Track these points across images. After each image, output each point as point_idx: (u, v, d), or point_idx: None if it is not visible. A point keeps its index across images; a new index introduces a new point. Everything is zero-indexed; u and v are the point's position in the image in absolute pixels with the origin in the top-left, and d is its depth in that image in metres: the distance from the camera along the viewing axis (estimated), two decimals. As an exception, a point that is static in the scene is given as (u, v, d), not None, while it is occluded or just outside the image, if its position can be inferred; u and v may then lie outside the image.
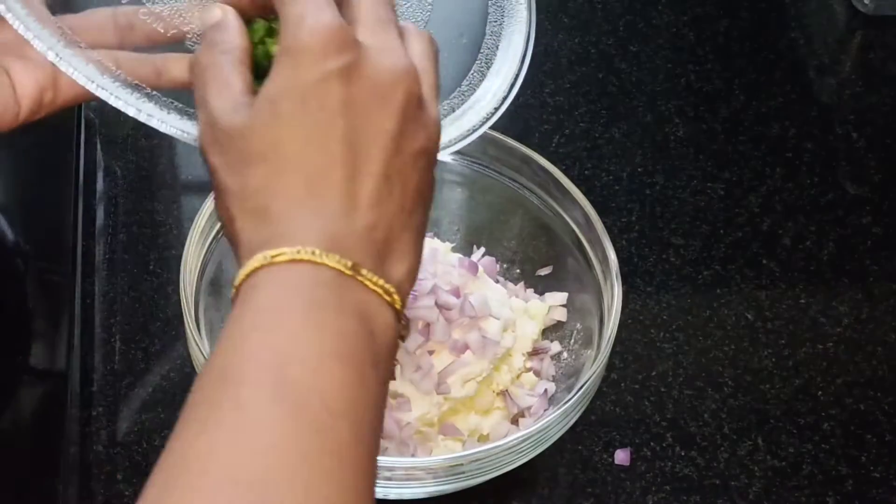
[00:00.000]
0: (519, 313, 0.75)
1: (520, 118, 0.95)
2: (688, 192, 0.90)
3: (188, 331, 0.66)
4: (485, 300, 0.72)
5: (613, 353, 0.69)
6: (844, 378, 0.80)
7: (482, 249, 0.79)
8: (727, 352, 0.80)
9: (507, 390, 0.72)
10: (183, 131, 0.56)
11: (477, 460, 0.64)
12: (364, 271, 0.46)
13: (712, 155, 0.93)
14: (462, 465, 0.64)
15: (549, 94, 0.96)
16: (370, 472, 0.43)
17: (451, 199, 0.80)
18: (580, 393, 0.65)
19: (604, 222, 0.72)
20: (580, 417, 0.68)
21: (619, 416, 0.76)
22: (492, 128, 0.78)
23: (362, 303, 0.46)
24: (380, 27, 0.50)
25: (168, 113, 0.57)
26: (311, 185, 0.47)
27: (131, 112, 0.56)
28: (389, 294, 0.47)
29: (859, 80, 1.01)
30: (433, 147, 0.51)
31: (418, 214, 0.50)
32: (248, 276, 0.46)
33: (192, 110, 0.57)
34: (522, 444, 0.65)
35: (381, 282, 0.47)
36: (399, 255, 0.48)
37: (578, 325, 0.74)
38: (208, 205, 0.72)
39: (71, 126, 0.88)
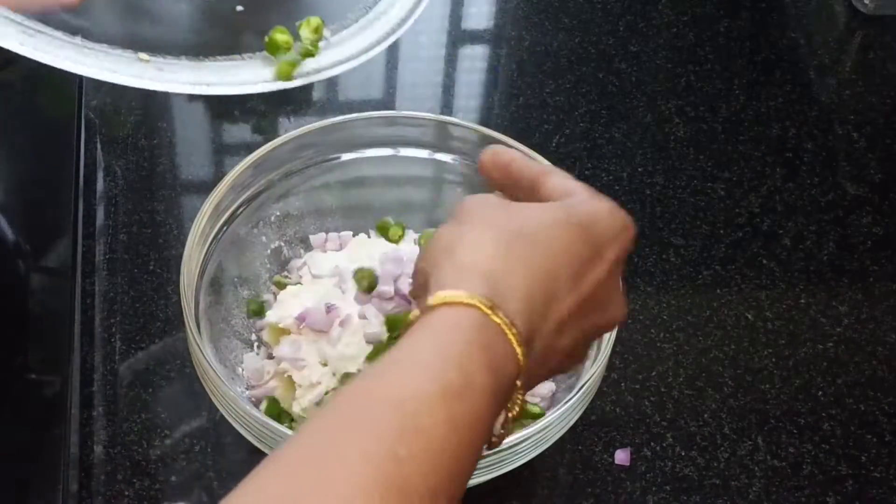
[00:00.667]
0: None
1: (520, 118, 0.95)
2: (688, 192, 0.90)
3: (188, 331, 0.66)
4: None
5: (613, 352, 0.69)
6: (844, 378, 0.80)
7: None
8: (727, 352, 0.80)
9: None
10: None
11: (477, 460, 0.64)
12: (514, 330, 0.48)
13: (712, 155, 0.93)
14: (462, 465, 0.64)
15: (549, 94, 0.96)
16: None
17: (451, 200, 0.80)
18: (580, 393, 0.65)
19: (604, 222, 0.72)
20: (580, 417, 0.68)
21: (619, 416, 0.76)
22: (492, 128, 0.79)
23: (511, 374, 0.49)
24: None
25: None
26: (546, 297, 0.50)
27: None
28: (519, 365, 0.49)
29: (859, 80, 1.01)
30: (606, 327, 0.56)
31: (556, 365, 0.53)
32: (446, 303, 0.48)
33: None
34: (522, 444, 0.65)
35: (522, 347, 0.49)
36: (539, 373, 0.52)
37: (578, 325, 0.74)
38: (208, 205, 0.72)
39: (71, 126, 0.88)
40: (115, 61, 0.63)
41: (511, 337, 0.48)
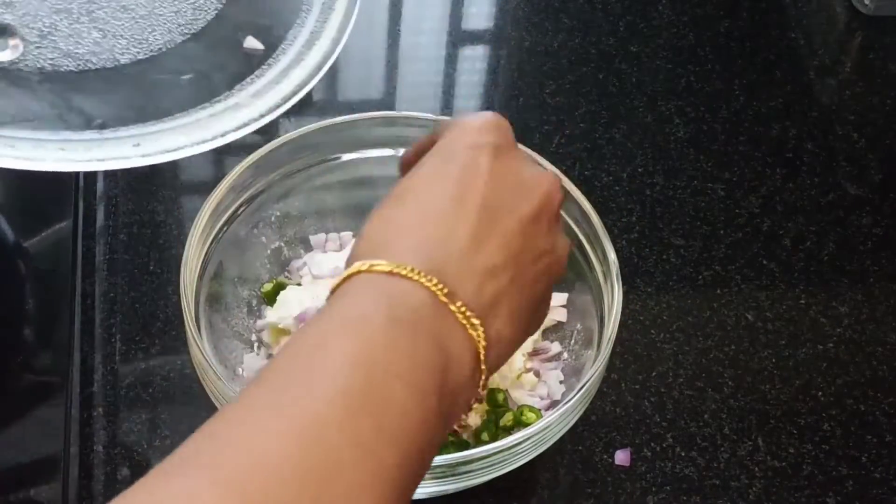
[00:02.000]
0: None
1: (520, 118, 0.95)
2: (688, 192, 0.90)
3: (188, 331, 0.66)
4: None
5: (614, 353, 0.69)
6: (845, 378, 0.80)
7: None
8: (727, 352, 0.80)
9: (506, 391, 0.72)
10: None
11: (477, 460, 0.64)
12: (458, 303, 0.47)
13: (712, 155, 0.93)
14: (462, 465, 0.64)
15: (549, 94, 0.96)
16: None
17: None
18: (580, 393, 0.65)
19: (604, 222, 0.72)
20: (580, 418, 0.68)
21: (619, 416, 0.76)
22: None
23: (445, 335, 0.46)
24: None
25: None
26: (437, 225, 0.49)
27: None
28: (476, 331, 0.47)
29: (859, 81, 1.01)
30: (558, 264, 0.53)
31: (526, 313, 0.51)
32: (345, 280, 0.47)
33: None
34: (522, 444, 0.65)
35: (472, 317, 0.47)
36: (500, 322, 0.49)
37: (579, 326, 0.74)
38: (208, 205, 0.72)
39: (71, 126, 0.88)
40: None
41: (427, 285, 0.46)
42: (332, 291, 0.47)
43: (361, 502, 0.40)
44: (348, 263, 0.48)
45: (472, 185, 0.50)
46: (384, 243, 0.48)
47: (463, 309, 0.47)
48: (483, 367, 0.48)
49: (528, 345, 0.74)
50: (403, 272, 0.46)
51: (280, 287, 0.76)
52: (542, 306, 0.54)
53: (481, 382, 0.48)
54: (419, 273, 0.46)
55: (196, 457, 0.39)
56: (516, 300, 0.50)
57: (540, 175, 0.53)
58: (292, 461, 0.39)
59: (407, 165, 0.54)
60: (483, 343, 0.47)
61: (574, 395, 0.65)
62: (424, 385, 0.44)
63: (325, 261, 0.76)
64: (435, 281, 0.46)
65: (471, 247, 0.48)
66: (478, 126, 0.52)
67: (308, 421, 0.40)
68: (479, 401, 0.50)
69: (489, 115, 0.53)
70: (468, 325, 0.47)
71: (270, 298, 0.76)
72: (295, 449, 0.39)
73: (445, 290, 0.46)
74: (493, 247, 0.49)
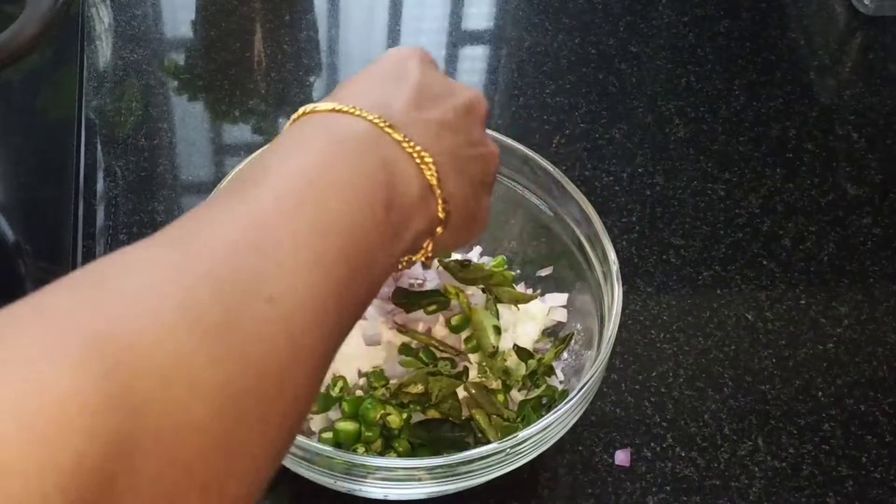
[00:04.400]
0: (519, 314, 0.75)
1: (520, 118, 0.95)
2: (688, 192, 0.90)
3: (188, 331, 0.66)
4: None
5: (613, 353, 0.69)
6: (845, 379, 0.80)
7: (481, 249, 0.79)
8: (727, 352, 0.80)
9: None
10: None
11: (477, 460, 0.64)
12: (402, 134, 0.49)
13: (712, 155, 0.93)
14: (462, 465, 0.64)
15: (549, 94, 0.96)
16: (333, 291, 0.43)
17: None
18: (580, 394, 0.65)
19: (604, 223, 0.72)
20: (580, 418, 0.68)
21: (619, 416, 0.76)
22: (492, 128, 0.79)
23: (390, 157, 0.49)
24: None
25: None
26: (381, 93, 0.52)
27: None
28: (424, 161, 0.50)
29: (859, 81, 1.01)
30: (492, 157, 0.57)
31: (467, 191, 0.54)
32: (293, 122, 0.50)
33: None
34: (522, 445, 0.65)
35: (416, 146, 0.50)
36: (446, 172, 0.52)
37: (579, 326, 0.74)
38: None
39: (71, 126, 0.88)
40: None
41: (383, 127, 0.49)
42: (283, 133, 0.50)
43: (299, 280, 0.41)
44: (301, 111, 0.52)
45: (404, 75, 0.54)
46: (328, 101, 0.51)
47: (408, 139, 0.50)
48: (439, 199, 0.51)
49: (528, 345, 0.74)
50: (345, 108, 0.49)
51: None
52: (480, 202, 0.57)
53: (439, 215, 0.51)
54: (360, 110, 0.49)
55: (162, 236, 0.42)
56: (459, 166, 0.53)
57: (463, 85, 0.57)
58: (239, 243, 0.41)
59: None
60: (435, 175, 0.50)
61: (574, 395, 0.65)
62: (370, 192, 0.46)
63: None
64: (377, 115, 0.49)
65: (409, 106, 0.52)
66: (406, 47, 0.57)
67: (252, 215, 0.42)
68: (431, 250, 0.53)
69: (417, 47, 0.58)
70: (415, 156, 0.50)
71: None
72: (241, 237, 0.41)
73: (388, 123, 0.49)
74: (429, 113, 0.52)
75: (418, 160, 0.50)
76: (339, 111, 0.49)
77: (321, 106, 0.50)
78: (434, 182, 0.50)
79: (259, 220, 0.42)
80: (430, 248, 0.53)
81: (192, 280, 0.38)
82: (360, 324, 0.70)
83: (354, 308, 0.45)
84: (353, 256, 0.44)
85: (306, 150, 0.47)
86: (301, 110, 0.50)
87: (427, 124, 0.52)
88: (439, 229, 0.52)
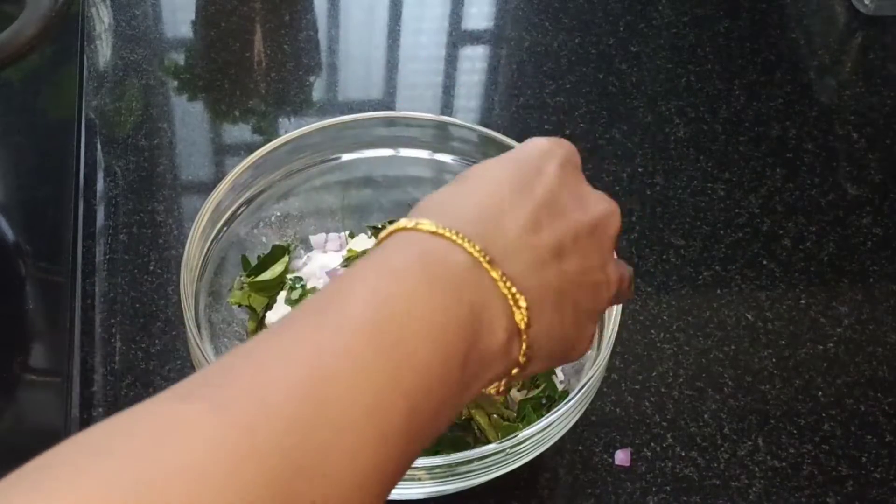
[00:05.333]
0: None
1: (520, 118, 0.95)
2: (688, 192, 0.90)
3: (188, 331, 0.66)
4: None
5: (614, 353, 0.69)
6: (845, 379, 0.80)
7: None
8: (727, 352, 0.80)
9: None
10: None
11: (477, 460, 0.64)
12: (500, 272, 0.46)
13: (712, 155, 0.93)
14: (462, 465, 0.64)
15: (549, 94, 0.96)
16: (392, 467, 0.40)
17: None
18: (580, 393, 0.65)
19: (604, 223, 0.72)
20: (580, 418, 0.68)
21: (619, 416, 0.76)
22: (492, 128, 0.79)
23: (481, 301, 0.45)
24: None
25: None
26: (494, 206, 0.48)
27: None
28: (518, 306, 0.46)
29: (859, 81, 1.01)
30: (607, 286, 0.52)
31: (568, 323, 0.50)
32: (388, 236, 0.46)
33: None
34: (522, 445, 0.65)
35: (512, 287, 0.46)
36: (544, 316, 0.48)
37: (579, 326, 0.74)
38: (208, 205, 0.72)
39: (71, 126, 0.88)
40: None
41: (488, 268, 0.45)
42: (378, 240, 0.47)
43: (361, 459, 0.39)
44: (404, 220, 0.48)
45: (536, 181, 0.50)
46: (435, 210, 0.47)
47: (504, 279, 0.46)
48: (523, 344, 0.47)
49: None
50: (447, 234, 0.45)
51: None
52: (583, 331, 0.52)
53: (520, 360, 0.47)
54: (462, 237, 0.45)
55: (203, 385, 0.38)
56: (559, 301, 0.49)
57: (602, 196, 0.53)
58: (297, 408, 0.38)
59: None
60: (525, 320, 0.46)
61: (574, 395, 0.65)
62: (450, 346, 0.43)
63: (326, 260, 0.76)
64: (478, 247, 0.45)
65: (523, 229, 0.48)
66: (551, 141, 0.53)
67: (317, 364, 0.39)
68: (510, 385, 0.49)
69: (562, 139, 0.54)
70: (509, 297, 0.46)
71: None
72: (299, 390, 0.38)
73: (488, 258, 0.45)
74: (545, 236, 0.48)
75: (511, 302, 0.46)
76: (440, 235, 0.45)
77: (423, 223, 0.46)
78: (523, 326, 0.46)
79: (325, 370, 0.39)
80: (502, 386, 0.50)
81: (239, 457, 0.35)
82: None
83: (409, 465, 0.43)
84: (416, 419, 0.41)
85: (395, 279, 0.43)
86: (401, 224, 0.46)
87: (535, 252, 0.48)
88: (515, 370, 0.48)
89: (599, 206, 0.52)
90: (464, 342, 0.43)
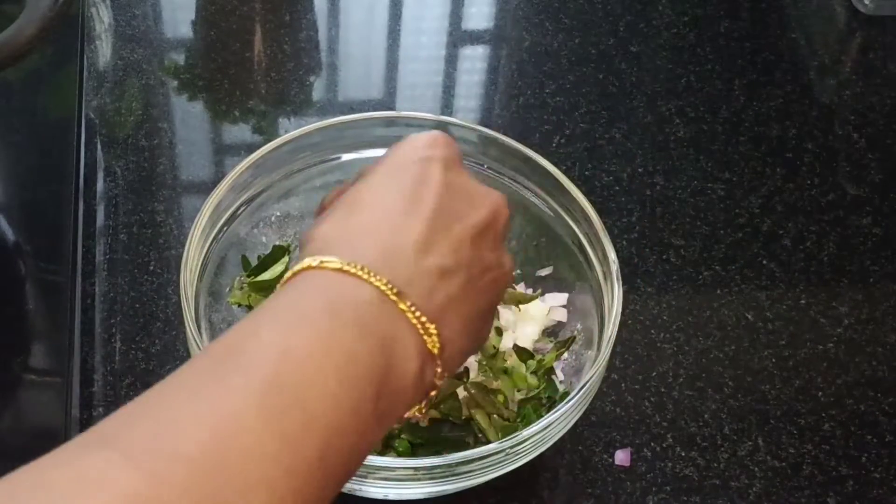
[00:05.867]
0: (519, 314, 0.75)
1: (520, 118, 0.95)
2: (688, 192, 0.90)
3: (188, 331, 0.66)
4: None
5: (614, 353, 0.69)
6: (845, 379, 0.80)
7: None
8: (727, 352, 0.80)
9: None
10: None
11: (477, 460, 0.64)
12: (408, 303, 0.46)
13: (712, 155, 0.93)
14: (462, 465, 0.64)
15: (549, 94, 0.96)
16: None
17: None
18: (580, 393, 0.65)
19: (604, 223, 0.72)
20: (580, 418, 0.68)
21: (619, 416, 0.76)
22: (492, 128, 0.79)
23: (391, 336, 0.45)
24: None
25: None
26: (390, 230, 0.48)
27: None
28: (429, 334, 0.47)
29: (859, 80, 1.01)
30: (504, 279, 0.53)
31: (475, 324, 0.51)
32: (295, 274, 0.47)
33: None
34: (522, 445, 0.65)
35: (423, 318, 0.46)
36: (451, 329, 0.49)
37: (579, 326, 0.74)
38: (208, 205, 0.72)
39: (71, 126, 0.88)
40: None
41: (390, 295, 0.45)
42: (282, 283, 0.47)
43: (275, 495, 0.39)
44: (302, 256, 0.48)
45: (424, 193, 0.50)
46: (335, 244, 0.48)
47: (413, 309, 0.46)
48: (438, 368, 0.48)
49: (528, 345, 0.74)
50: (352, 270, 0.46)
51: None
52: (487, 322, 0.54)
53: (436, 382, 0.48)
54: (369, 272, 0.46)
55: (113, 434, 0.39)
56: (465, 308, 0.50)
57: (488, 191, 0.53)
58: (206, 449, 0.38)
59: (324, 210, 0.55)
60: (437, 346, 0.47)
61: (574, 395, 0.65)
62: (361, 385, 0.43)
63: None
64: (385, 280, 0.46)
65: (422, 250, 0.48)
66: (427, 141, 0.53)
67: (226, 411, 0.39)
68: (426, 405, 0.49)
69: (437, 132, 0.53)
70: (419, 327, 0.47)
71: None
72: (208, 437, 0.38)
73: (395, 290, 0.46)
74: (444, 251, 0.49)
75: (422, 331, 0.47)
76: (345, 272, 0.46)
77: (328, 261, 0.46)
78: (436, 351, 0.47)
79: (232, 422, 0.39)
80: (423, 408, 0.50)
81: None
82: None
83: (328, 500, 0.43)
84: (329, 457, 0.41)
85: (302, 323, 0.43)
86: (306, 263, 0.46)
87: (437, 270, 0.48)
88: (433, 392, 0.49)
89: (488, 200, 0.53)
90: (376, 379, 0.44)
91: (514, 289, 0.74)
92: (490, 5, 1.08)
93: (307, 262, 0.47)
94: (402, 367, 0.46)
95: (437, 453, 0.68)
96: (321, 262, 0.46)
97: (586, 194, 0.74)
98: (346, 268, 0.46)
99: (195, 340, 0.65)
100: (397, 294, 0.46)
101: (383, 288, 0.46)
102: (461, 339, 0.50)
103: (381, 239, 0.48)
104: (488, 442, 0.67)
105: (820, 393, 0.79)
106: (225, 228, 0.74)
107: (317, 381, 0.42)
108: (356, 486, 0.66)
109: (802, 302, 0.84)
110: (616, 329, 0.68)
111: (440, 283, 0.48)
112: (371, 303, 0.45)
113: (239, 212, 0.75)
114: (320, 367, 0.42)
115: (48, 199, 0.84)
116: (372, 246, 0.48)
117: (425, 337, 0.47)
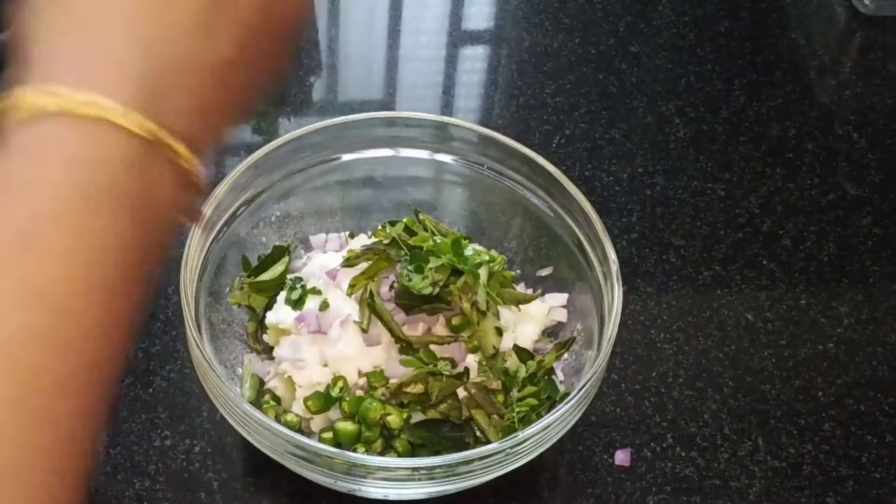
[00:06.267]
0: (519, 314, 0.75)
1: (520, 118, 0.95)
2: (688, 192, 0.90)
3: (188, 331, 0.66)
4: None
5: (613, 353, 0.69)
6: (845, 379, 0.80)
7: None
8: (727, 352, 0.80)
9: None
10: None
11: (477, 460, 0.64)
12: (182, 146, 0.39)
13: (712, 155, 0.93)
14: (462, 465, 0.64)
15: (549, 94, 0.96)
16: (95, 355, 0.38)
17: (451, 200, 0.80)
18: (580, 394, 0.65)
19: (604, 223, 0.72)
20: (580, 418, 0.68)
21: (619, 416, 0.76)
22: (492, 128, 0.79)
23: (149, 195, 0.39)
24: None
25: None
26: (147, 20, 0.39)
27: None
28: (192, 165, 0.39)
29: (859, 80, 1.01)
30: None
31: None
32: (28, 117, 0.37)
33: None
34: (522, 445, 0.65)
35: (176, 144, 0.38)
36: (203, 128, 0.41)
37: (579, 326, 0.74)
38: (208, 205, 0.72)
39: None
40: None
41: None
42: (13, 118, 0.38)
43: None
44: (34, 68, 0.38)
45: None
46: (74, 67, 0.38)
47: (166, 135, 0.38)
48: (195, 168, 0.40)
49: (528, 345, 0.74)
50: (109, 117, 0.37)
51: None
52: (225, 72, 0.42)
53: (197, 183, 0.41)
54: (126, 112, 0.37)
55: None
56: (221, 100, 0.41)
57: None
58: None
59: None
60: (192, 161, 0.39)
61: (574, 396, 0.65)
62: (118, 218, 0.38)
63: (326, 261, 0.76)
64: (153, 122, 0.38)
65: (197, 37, 0.39)
66: None
67: None
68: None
69: None
70: (187, 166, 0.39)
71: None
72: None
73: (166, 129, 0.38)
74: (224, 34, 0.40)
75: (185, 164, 0.39)
76: (97, 118, 0.37)
77: (79, 107, 0.37)
78: (192, 167, 0.40)
79: None
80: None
81: None
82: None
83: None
84: (120, 270, 0.39)
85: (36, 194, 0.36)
86: (44, 103, 0.37)
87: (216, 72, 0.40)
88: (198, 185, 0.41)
89: None
90: (124, 252, 0.40)
91: (514, 289, 0.74)
92: (490, 5, 1.08)
93: (47, 101, 0.37)
94: (159, 193, 0.39)
95: (437, 453, 0.68)
96: (62, 107, 0.37)
97: (586, 194, 0.74)
98: (99, 113, 0.37)
99: (195, 340, 0.65)
100: (171, 135, 0.38)
101: (144, 134, 0.38)
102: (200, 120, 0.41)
103: (141, 38, 0.38)
104: (488, 442, 0.67)
105: (820, 393, 0.79)
106: (225, 228, 0.74)
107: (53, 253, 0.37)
108: (356, 487, 0.66)
109: (802, 302, 0.84)
110: (616, 329, 0.68)
111: (208, 80, 0.40)
112: (127, 161, 0.38)
113: (239, 212, 0.75)
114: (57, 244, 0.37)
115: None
116: (131, 55, 0.38)
117: (184, 164, 0.39)
